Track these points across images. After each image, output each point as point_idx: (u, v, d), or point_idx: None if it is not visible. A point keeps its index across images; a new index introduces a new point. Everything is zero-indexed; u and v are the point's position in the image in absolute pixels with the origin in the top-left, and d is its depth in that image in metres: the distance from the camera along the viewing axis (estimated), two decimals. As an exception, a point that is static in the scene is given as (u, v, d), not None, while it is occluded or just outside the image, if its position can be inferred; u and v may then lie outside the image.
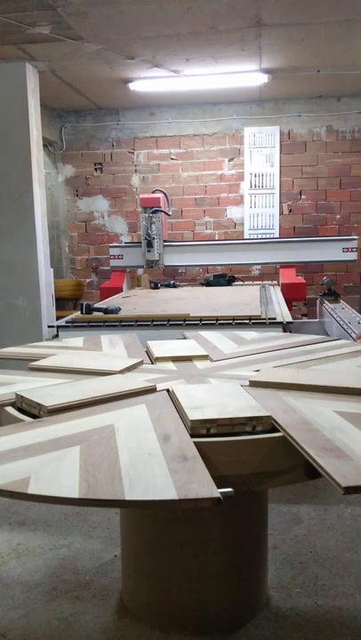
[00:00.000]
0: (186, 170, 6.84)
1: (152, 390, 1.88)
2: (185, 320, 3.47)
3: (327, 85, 6.01)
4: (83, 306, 3.84)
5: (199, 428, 1.51)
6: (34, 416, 1.70)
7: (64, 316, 4.19)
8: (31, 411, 1.73)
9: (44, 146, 6.34)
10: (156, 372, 2.18)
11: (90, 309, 3.79)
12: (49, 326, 4.38)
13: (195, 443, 1.43)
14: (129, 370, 2.17)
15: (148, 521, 1.99)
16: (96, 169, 6.99)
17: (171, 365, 2.31)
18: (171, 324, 3.42)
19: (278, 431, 1.51)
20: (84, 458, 1.35)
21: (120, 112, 6.82)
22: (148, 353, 2.53)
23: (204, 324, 3.48)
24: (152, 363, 2.38)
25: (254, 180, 6.75)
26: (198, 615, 1.97)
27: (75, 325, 3.72)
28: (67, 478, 1.24)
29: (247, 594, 2.06)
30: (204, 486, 1.20)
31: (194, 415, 1.55)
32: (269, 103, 6.60)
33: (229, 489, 1.25)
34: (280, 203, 6.76)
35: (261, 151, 6.70)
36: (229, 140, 6.75)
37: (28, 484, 1.21)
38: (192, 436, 1.49)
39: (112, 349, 2.61)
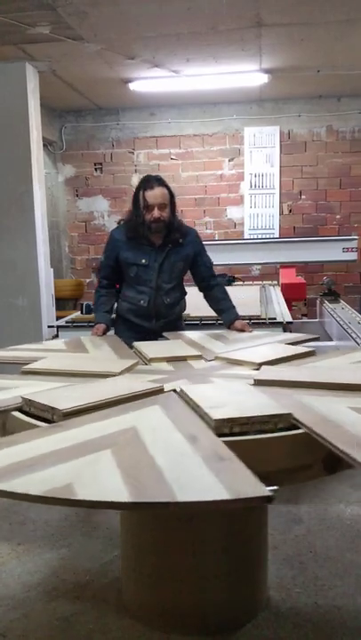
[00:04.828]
0: (186, 170, 6.84)
1: (160, 391, 1.86)
2: (185, 320, 3.47)
3: (327, 85, 6.00)
4: (83, 306, 3.85)
5: (223, 427, 1.52)
6: (45, 420, 1.66)
7: (64, 316, 4.20)
8: (43, 415, 1.68)
9: (44, 146, 6.34)
10: (155, 373, 2.17)
11: (90, 309, 3.80)
12: (49, 326, 4.38)
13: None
14: (127, 371, 2.16)
15: (149, 521, 1.99)
16: (96, 169, 6.98)
17: (166, 366, 2.29)
18: (196, 324, 3.40)
19: (297, 428, 1.52)
20: (119, 461, 1.32)
21: (120, 112, 6.81)
22: (138, 354, 2.49)
23: (204, 324, 3.48)
24: (145, 364, 2.35)
25: (254, 180, 6.75)
26: (199, 615, 1.97)
27: (75, 325, 3.73)
28: (110, 482, 1.21)
29: (247, 594, 2.06)
30: (251, 485, 1.19)
31: (216, 414, 1.54)
32: (269, 103, 6.59)
33: (274, 487, 1.24)
34: (280, 203, 6.75)
35: (261, 151, 6.69)
36: (229, 140, 6.75)
37: (73, 490, 1.18)
38: (216, 435, 1.49)
39: (98, 351, 2.55)
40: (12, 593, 2.24)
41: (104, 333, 2.88)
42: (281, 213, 6.77)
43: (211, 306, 3.06)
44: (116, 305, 3.05)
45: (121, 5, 3.77)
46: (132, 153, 6.89)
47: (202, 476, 1.24)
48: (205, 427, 1.53)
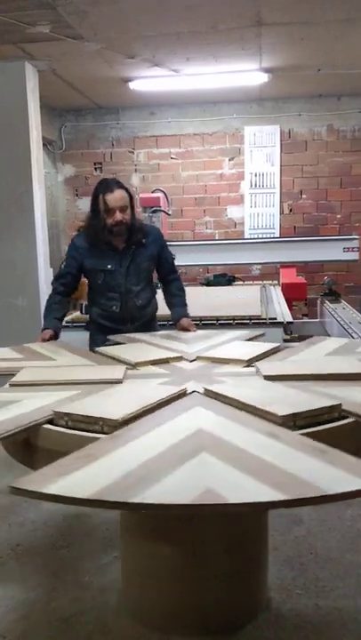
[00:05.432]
0: (186, 169, 6.83)
1: (183, 394, 1.86)
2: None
3: (327, 84, 6.00)
4: (82, 306, 3.84)
5: (289, 422, 1.55)
6: (86, 432, 1.61)
7: (64, 316, 4.17)
8: (89, 428, 1.62)
9: (44, 145, 6.32)
10: (156, 377, 2.14)
11: (90, 309, 3.78)
12: (49, 326, 4.35)
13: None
14: (125, 377, 2.11)
15: (148, 521, 1.99)
16: (96, 168, 6.97)
17: (156, 369, 2.26)
18: (171, 324, 3.41)
19: (344, 418, 1.61)
20: (230, 462, 1.30)
21: (120, 111, 6.80)
22: (112, 358, 2.42)
23: (204, 324, 3.47)
24: (130, 368, 2.27)
25: (255, 179, 6.74)
26: (199, 616, 1.96)
27: (75, 325, 3.72)
28: (247, 483, 1.21)
29: (248, 595, 2.05)
30: None
31: (280, 410, 1.57)
32: (270, 102, 6.58)
33: None
34: (280, 202, 6.74)
35: (262, 150, 6.68)
36: (230, 140, 6.74)
37: (221, 496, 1.16)
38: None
39: (64, 357, 2.45)
40: (11, 593, 2.23)
41: (50, 339, 2.79)
42: (281, 213, 6.76)
43: (165, 298, 3.12)
44: (83, 306, 3.06)
45: (121, 4, 3.76)
46: (132, 152, 6.88)
47: (324, 468, 1.25)
48: (268, 423, 1.55)
